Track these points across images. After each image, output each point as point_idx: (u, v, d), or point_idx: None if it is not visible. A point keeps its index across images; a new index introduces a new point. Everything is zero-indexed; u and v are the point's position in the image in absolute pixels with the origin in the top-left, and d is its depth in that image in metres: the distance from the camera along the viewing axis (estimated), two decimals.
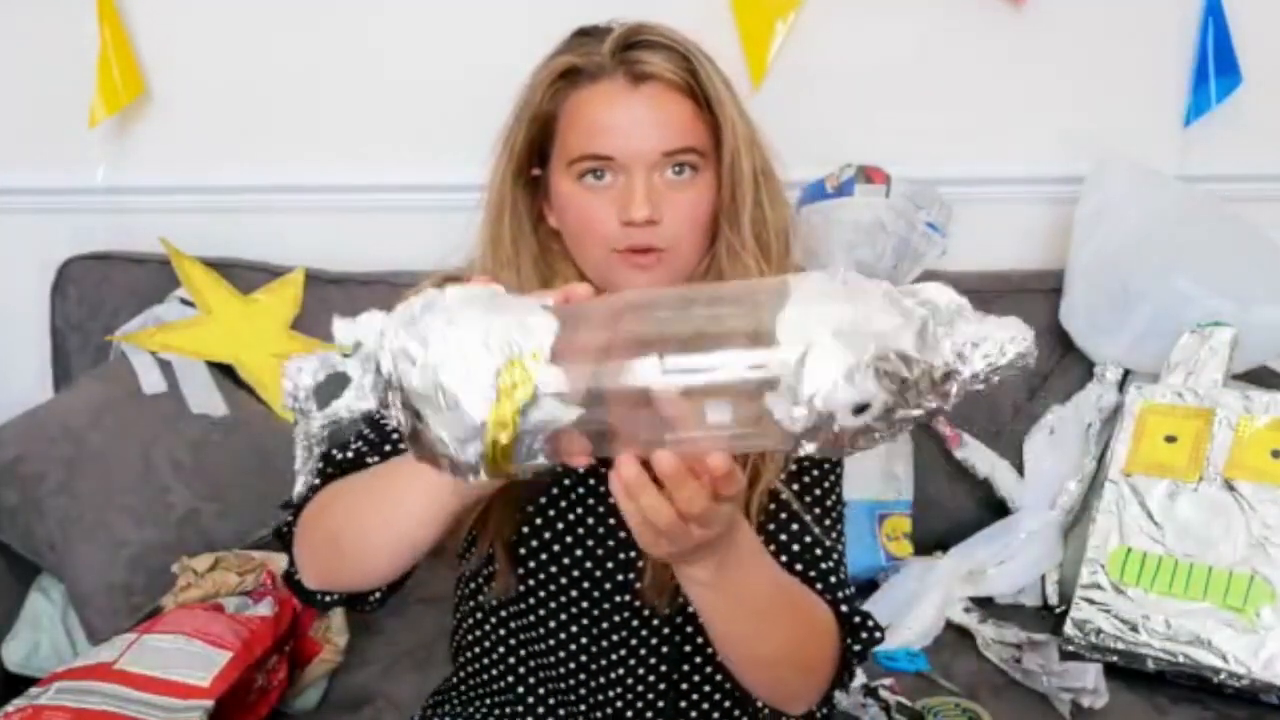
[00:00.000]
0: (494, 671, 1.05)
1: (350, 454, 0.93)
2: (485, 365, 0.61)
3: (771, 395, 0.60)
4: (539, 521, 0.97)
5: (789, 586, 0.84)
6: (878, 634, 0.91)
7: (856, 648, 0.89)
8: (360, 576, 0.88)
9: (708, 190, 0.92)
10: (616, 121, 0.90)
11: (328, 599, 0.92)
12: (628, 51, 0.90)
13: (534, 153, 0.95)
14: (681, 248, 0.92)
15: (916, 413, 0.61)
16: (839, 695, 1.37)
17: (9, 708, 1.17)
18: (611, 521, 0.96)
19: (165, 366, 1.65)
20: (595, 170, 0.91)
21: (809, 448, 0.62)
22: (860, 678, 1.37)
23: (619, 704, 1.00)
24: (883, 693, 1.38)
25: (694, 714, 1.01)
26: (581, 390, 0.62)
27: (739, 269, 0.92)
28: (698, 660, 1.00)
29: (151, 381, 1.63)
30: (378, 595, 0.92)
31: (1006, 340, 0.61)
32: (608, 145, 0.90)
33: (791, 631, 0.84)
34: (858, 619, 0.90)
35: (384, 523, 0.82)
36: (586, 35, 0.94)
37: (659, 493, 0.65)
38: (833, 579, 0.92)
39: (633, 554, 0.95)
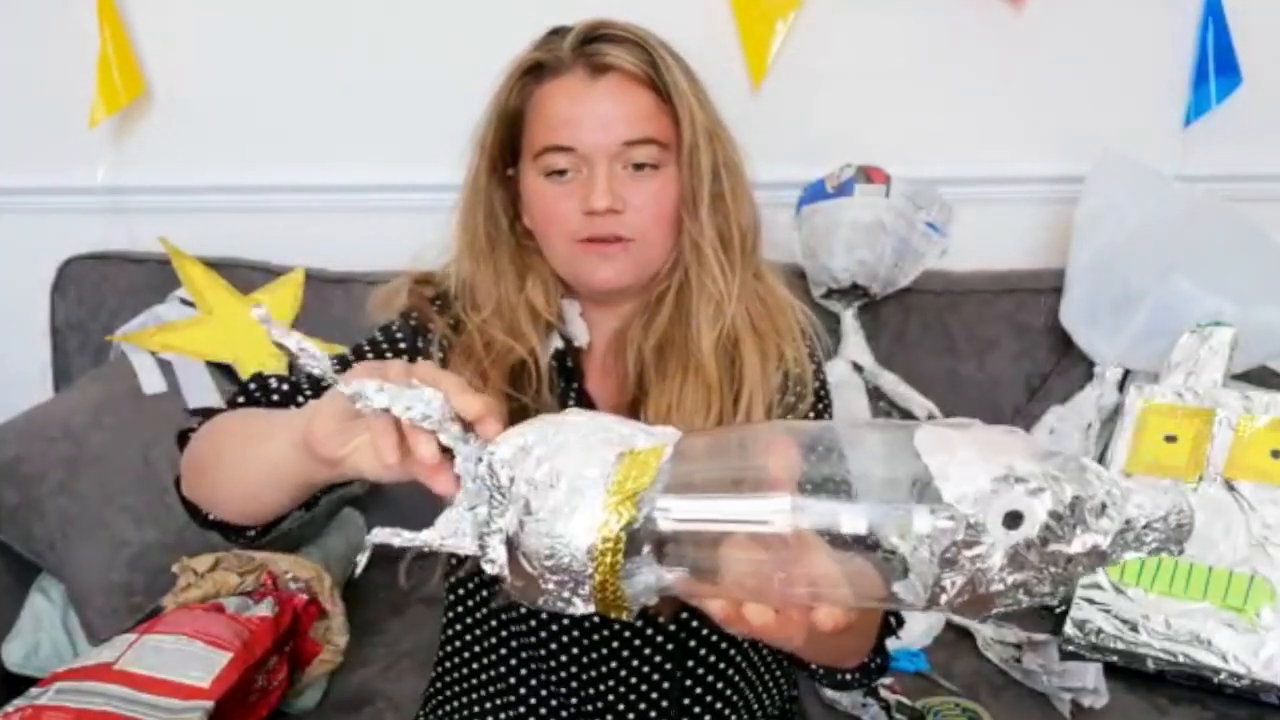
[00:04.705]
0: (493, 672, 1.05)
1: (286, 386, 0.93)
2: (606, 454, 0.60)
3: (916, 516, 0.55)
4: None
5: None
6: None
7: None
8: (211, 501, 0.86)
9: (671, 183, 0.93)
10: (577, 113, 0.91)
11: (210, 518, 0.88)
12: (588, 45, 0.92)
13: (506, 150, 0.96)
14: (646, 239, 0.93)
15: (1074, 550, 0.55)
16: (837, 694, 1.38)
17: (9, 708, 1.17)
18: None
19: (165, 366, 1.66)
20: (560, 169, 0.92)
21: (949, 589, 0.55)
22: None
23: (621, 705, 1.00)
24: (883, 692, 1.38)
25: (698, 710, 1.01)
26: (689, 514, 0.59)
27: (701, 262, 0.92)
28: (698, 662, 1.00)
29: (151, 381, 1.63)
30: (251, 532, 0.88)
31: (1171, 504, 0.57)
32: (569, 137, 0.91)
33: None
34: None
35: (239, 461, 0.81)
36: (555, 34, 0.95)
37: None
38: None
39: None
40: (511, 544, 0.60)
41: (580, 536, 0.58)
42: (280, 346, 0.63)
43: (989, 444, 0.56)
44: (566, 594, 0.60)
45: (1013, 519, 0.54)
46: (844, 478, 0.56)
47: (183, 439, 0.91)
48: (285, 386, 0.92)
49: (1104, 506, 0.55)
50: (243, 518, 0.85)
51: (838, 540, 0.56)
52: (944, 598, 0.55)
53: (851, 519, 0.55)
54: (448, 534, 0.63)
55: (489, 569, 0.62)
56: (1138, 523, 0.56)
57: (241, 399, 0.91)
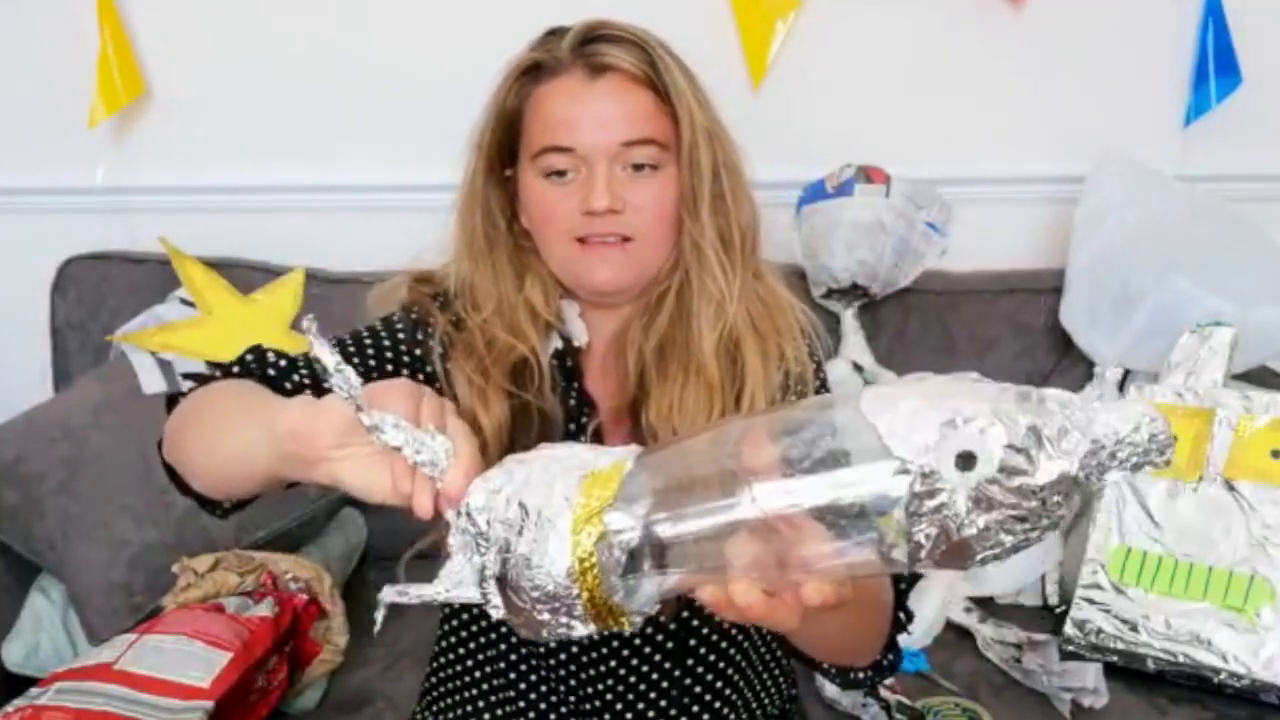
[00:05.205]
0: (490, 669, 1.05)
1: (284, 362, 0.92)
2: (568, 479, 0.61)
3: (875, 479, 0.54)
4: None
5: None
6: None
7: (903, 585, 0.89)
8: (186, 471, 0.86)
9: (671, 184, 0.93)
10: (576, 113, 0.91)
11: (187, 489, 0.88)
12: (587, 45, 0.92)
13: (504, 150, 0.96)
14: (647, 239, 0.92)
15: (1040, 480, 0.53)
16: (837, 693, 1.38)
17: (9, 708, 1.17)
18: None
19: (165, 366, 1.65)
20: (558, 169, 0.91)
21: (925, 542, 0.54)
22: None
23: (620, 704, 1.00)
24: (883, 692, 1.38)
25: (697, 709, 1.01)
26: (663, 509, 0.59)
27: (702, 262, 0.92)
28: (698, 661, 1.00)
29: (151, 381, 1.63)
30: (226, 504, 0.88)
31: (1139, 415, 0.55)
32: (568, 137, 0.91)
33: (863, 599, 0.82)
34: None
35: (214, 436, 0.80)
36: (553, 34, 0.95)
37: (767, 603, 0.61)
38: None
39: None
40: (502, 584, 0.62)
41: (557, 562, 0.59)
42: (316, 361, 0.63)
43: (935, 392, 0.56)
44: (563, 619, 0.61)
45: (966, 460, 0.53)
46: (811, 457, 0.56)
47: (172, 404, 0.90)
48: (283, 362, 0.92)
49: (1064, 430, 0.54)
50: (213, 493, 0.84)
51: (821, 518, 0.56)
52: (923, 552, 0.55)
53: (814, 495, 0.56)
54: (451, 585, 0.64)
55: (494, 613, 0.63)
56: (1107, 441, 0.55)
57: (236, 369, 0.91)
